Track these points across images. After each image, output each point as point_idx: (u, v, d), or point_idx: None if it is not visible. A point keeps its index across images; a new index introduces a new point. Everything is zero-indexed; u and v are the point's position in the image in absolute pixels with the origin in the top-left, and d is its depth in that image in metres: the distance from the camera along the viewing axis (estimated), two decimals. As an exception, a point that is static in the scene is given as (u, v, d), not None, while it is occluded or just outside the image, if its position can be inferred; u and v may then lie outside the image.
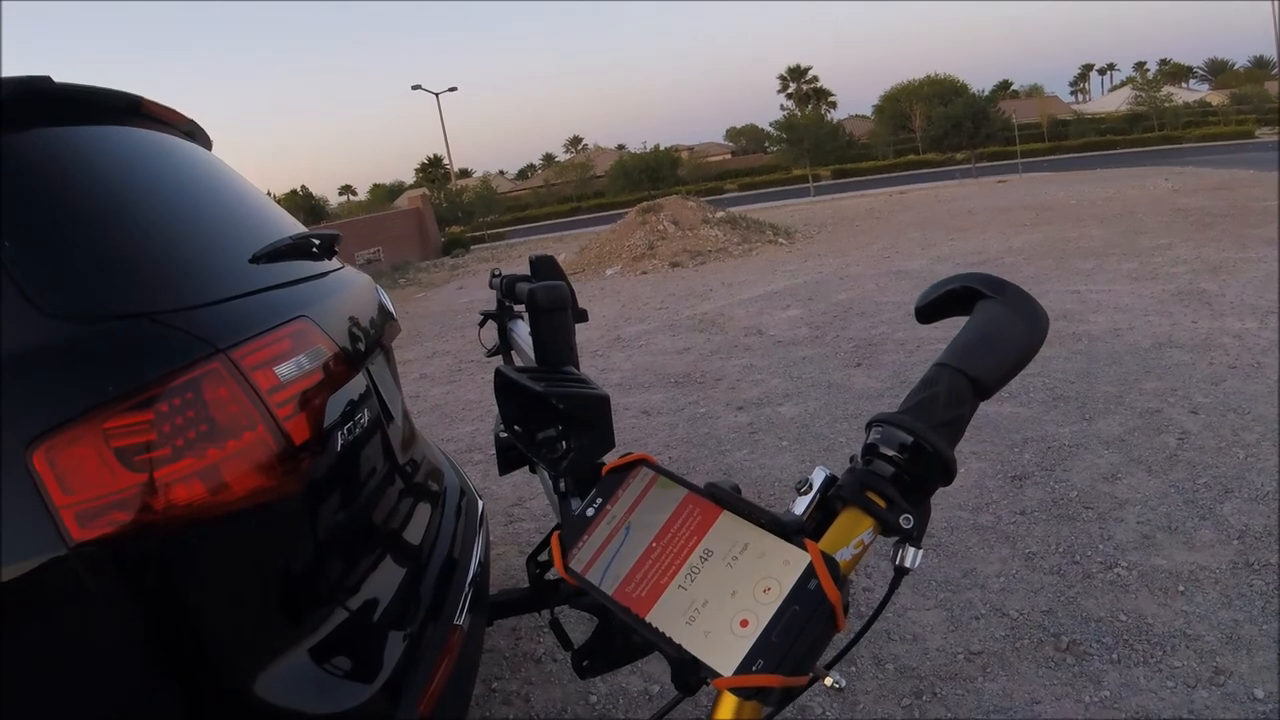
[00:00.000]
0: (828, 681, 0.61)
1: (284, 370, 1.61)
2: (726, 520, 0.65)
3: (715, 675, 0.58)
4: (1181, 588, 3.01)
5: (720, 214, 18.65)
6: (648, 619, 0.62)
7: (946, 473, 0.68)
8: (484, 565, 2.35)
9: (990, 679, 2.68)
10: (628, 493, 0.70)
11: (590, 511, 0.70)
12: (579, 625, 2.45)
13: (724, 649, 0.58)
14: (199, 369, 1.43)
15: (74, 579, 1.30)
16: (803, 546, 0.61)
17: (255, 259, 1.89)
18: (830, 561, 0.59)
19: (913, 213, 20.92)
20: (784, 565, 0.61)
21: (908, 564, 0.66)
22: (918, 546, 0.67)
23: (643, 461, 0.72)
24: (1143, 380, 5.28)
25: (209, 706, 1.45)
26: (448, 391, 7.76)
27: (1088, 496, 3.81)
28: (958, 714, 2.54)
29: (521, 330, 2.41)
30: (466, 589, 2.09)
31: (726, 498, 0.66)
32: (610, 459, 0.74)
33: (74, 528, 1.28)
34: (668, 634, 0.61)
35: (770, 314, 9.29)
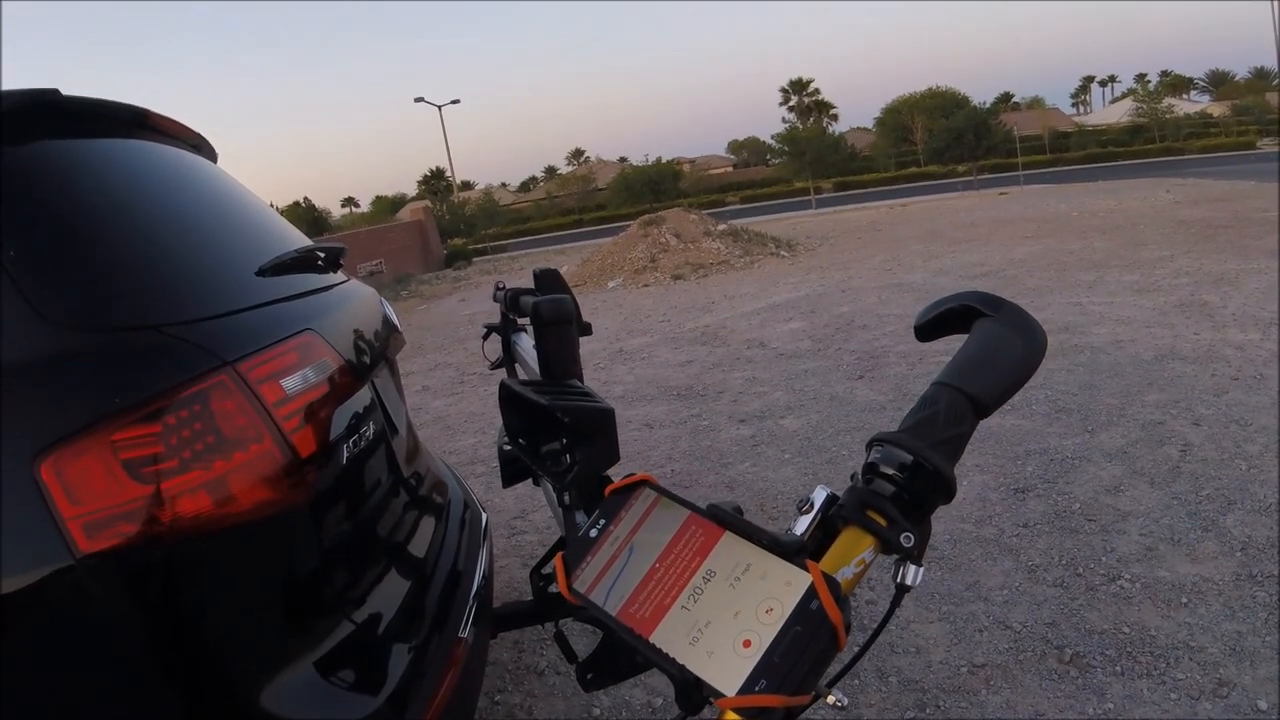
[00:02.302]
0: (830, 700, 0.62)
1: (290, 383, 1.61)
2: (729, 541, 0.66)
3: (718, 695, 0.58)
4: (1184, 599, 3.01)
5: (722, 226, 18.67)
6: (651, 639, 0.63)
7: (947, 491, 0.69)
8: (488, 578, 2.35)
9: (994, 691, 2.67)
10: (630, 514, 0.71)
11: (594, 533, 0.71)
12: (583, 638, 2.45)
13: (727, 669, 0.59)
14: (206, 381, 1.44)
15: (81, 590, 1.30)
16: (804, 567, 0.62)
17: (261, 272, 1.90)
18: (831, 582, 0.60)
19: (914, 225, 20.94)
20: (786, 586, 0.61)
21: (909, 581, 0.67)
22: (918, 564, 0.67)
23: (645, 482, 0.73)
24: (1145, 392, 5.28)
25: (215, 718, 1.45)
26: (450, 404, 7.76)
27: (1090, 508, 3.81)
28: (961, 727, 2.54)
29: (525, 343, 2.42)
30: (470, 601, 2.09)
31: (728, 519, 0.67)
32: (614, 477, 0.75)
33: (81, 539, 1.28)
34: (671, 654, 0.62)
35: (772, 326, 9.29)
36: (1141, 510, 3.72)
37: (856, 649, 0.75)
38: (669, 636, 0.62)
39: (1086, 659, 2.76)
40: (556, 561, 0.70)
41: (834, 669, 0.65)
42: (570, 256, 24.23)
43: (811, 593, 0.60)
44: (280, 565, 1.60)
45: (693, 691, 0.60)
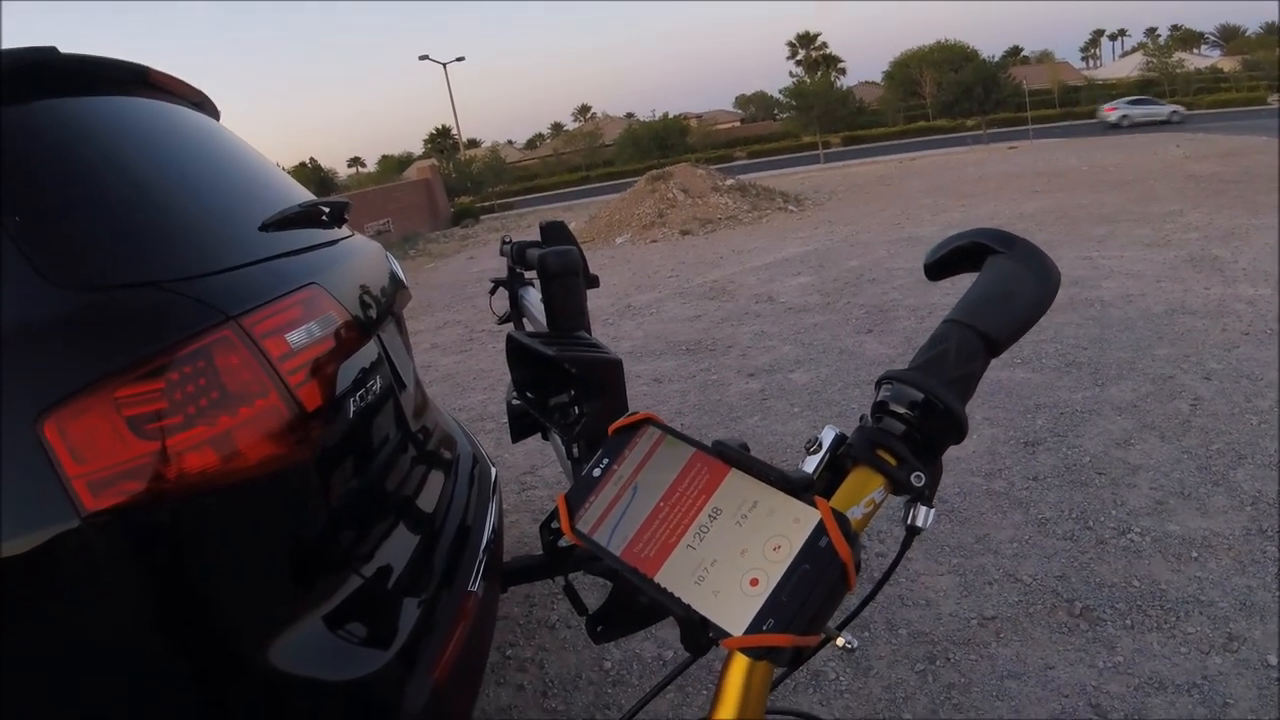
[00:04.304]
0: (839, 642, 0.60)
1: (295, 337, 1.60)
2: (735, 478, 0.64)
3: (725, 635, 0.57)
4: (1195, 554, 3.00)
5: (730, 181, 18.55)
6: (656, 579, 0.61)
7: (958, 430, 0.67)
8: (497, 532, 2.35)
9: (1003, 644, 2.68)
10: (634, 452, 0.69)
11: (597, 472, 0.69)
12: (593, 592, 2.46)
13: (734, 608, 0.57)
14: (210, 336, 1.42)
15: (87, 549, 1.29)
16: (813, 504, 0.59)
17: (265, 227, 1.88)
18: (841, 518, 0.58)
19: (923, 179, 20.78)
20: (794, 523, 0.59)
21: (919, 523, 0.65)
22: (929, 505, 0.65)
23: (649, 420, 0.70)
24: (1155, 346, 5.25)
25: (223, 675, 1.45)
26: (459, 361, 7.76)
27: (1100, 462, 3.80)
28: (971, 679, 2.54)
29: (533, 297, 2.40)
30: (480, 556, 2.09)
31: (735, 455, 0.64)
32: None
33: (86, 497, 1.27)
34: (676, 594, 0.60)
35: (781, 281, 9.25)
36: (1152, 464, 3.71)
37: (866, 594, 0.73)
38: (674, 576, 0.61)
39: (1096, 612, 2.76)
40: (559, 502, 0.68)
41: (843, 613, 0.63)
42: (578, 213, 24.14)
43: (820, 530, 0.58)
44: (287, 520, 1.59)
45: (699, 631, 0.59)
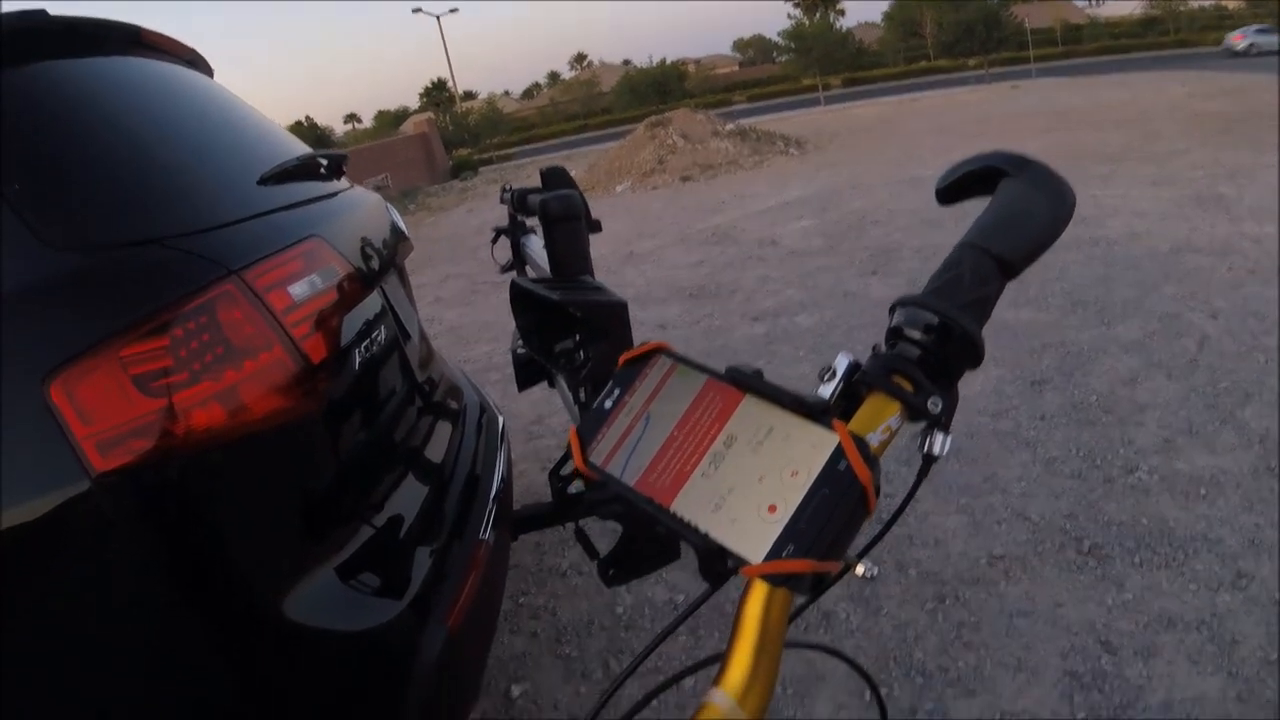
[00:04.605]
0: (860, 570, 0.59)
1: (298, 290, 1.59)
2: (750, 404, 0.62)
3: (743, 563, 0.55)
4: (1203, 491, 3.00)
5: (730, 126, 18.38)
6: (672, 509, 0.60)
7: (974, 354, 0.65)
8: (506, 481, 2.35)
9: (1013, 583, 2.69)
10: (646, 382, 0.67)
11: (608, 404, 0.67)
12: (603, 538, 2.46)
13: (752, 536, 0.56)
14: (212, 291, 1.42)
15: (98, 509, 1.30)
16: (830, 428, 0.58)
17: (263, 180, 1.87)
18: (860, 441, 0.56)
19: (925, 120, 20.57)
20: (811, 448, 0.58)
21: (936, 450, 0.63)
22: (946, 432, 0.64)
23: (660, 350, 0.69)
24: (1161, 285, 5.22)
25: (238, 630, 1.46)
26: (463, 314, 7.75)
27: (1107, 401, 3.79)
28: (981, 617, 2.56)
29: (535, 245, 2.38)
30: (490, 504, 2.09)
31: (749, 381, 0.63)
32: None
33: (95, 458, 1.27)
34: (693, 523, 0.58)
35: (784, 225, 9.20)
36: (1159, 402, 3.70)
37: (884, 523, 0.72)
38: (690, 505, 0.59)
39: (1105, 550, 2.77)
40: (571, 435, 0.67)
41: (861, 542, 0.62)
42: (577, 162, 23.96)
43: (839, 453, 0.56)
44: (296, 473, 1.59)
45: (717, 560, 0.57)
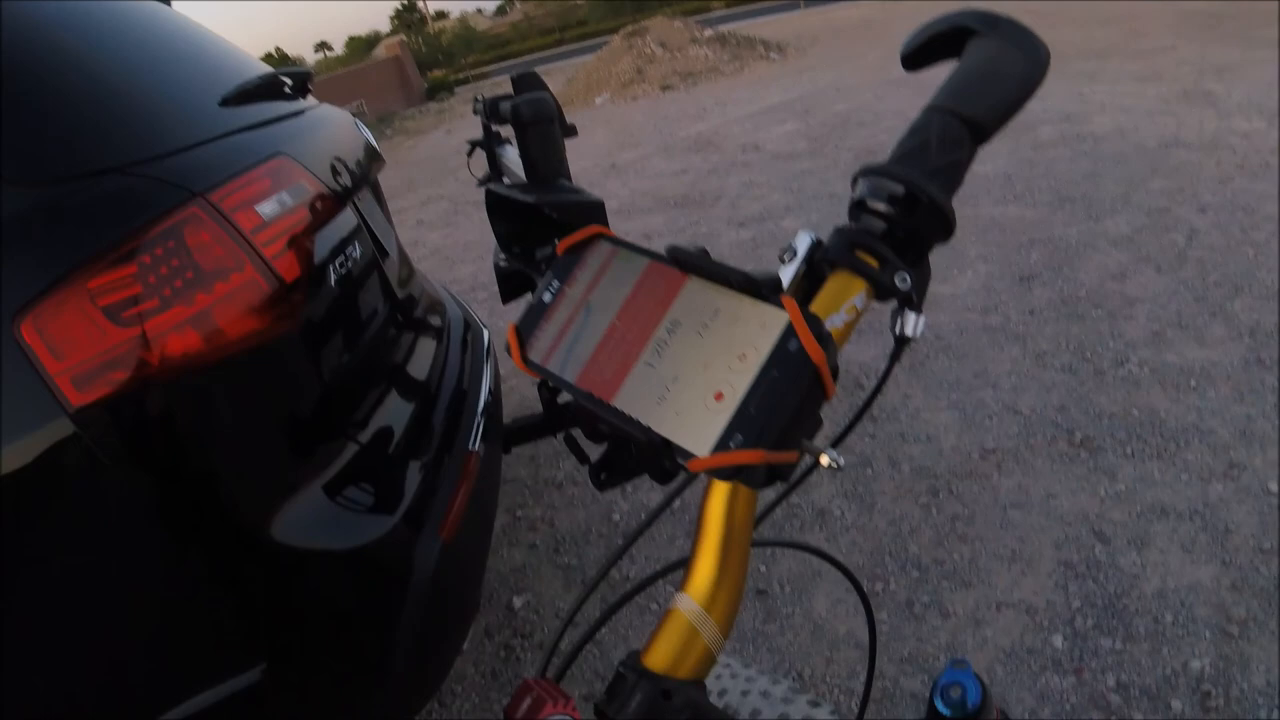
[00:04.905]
0: (824, 461, 0.52)
1: (266, 209, 1.57)
2: (694, 286, 0.57)
3: (689, 456, 0.51)
4: (1193, 383, 3.00)
5: (709, 33, 17.98)
6: (614, 403, 0.56)
7: (945, 225, 0.60)
8: (494, 394, 2.34)
9: (1005, 475, 2.70)
10: (585, 271, 0.63)
11: (546, 296, 0.63)
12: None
13: (698, 427, 0.51)
14: (178, 215, 1.39)
15: (78, 444, 1.29)
16: (780, 305, 0.53)
17: (225, 102, 1.84)
18: (811, 318, 0.51)
19: (909, 20, 19.68)
20: (760, 328, 0.53)
21: (908, 332, 0.60)
22: (918, 311, 0.60)
23: (599, 236, 0.64)
24: (1149, 180, 5.15)
25: (231, 555, 1.46)
26: (446, 235, 7.67)
27: (1097, 295, 3.77)
28: (974, 510, 2.58)
29: (511, 154, 2.33)
30: (478, 417, 2.09)
31: (692, 261, 0.58)
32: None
33: (71, 393, 1.27)
34: (636, 417, 0.54)
35: (767, 130, 9.05)
36: (1148, 296, 3.68)
37: (856, 411, 0.69)
38: (633, 398, 0.55)
39: (1096, 442, 2.78)
40: (509, 333, 0.63)
41: (832, 432, 0.58)
42: (555, 77, 23.48)
43: (789, 332, 0.51)
44: (277, 395, 1.58)
45: (663, 456, 0.53)
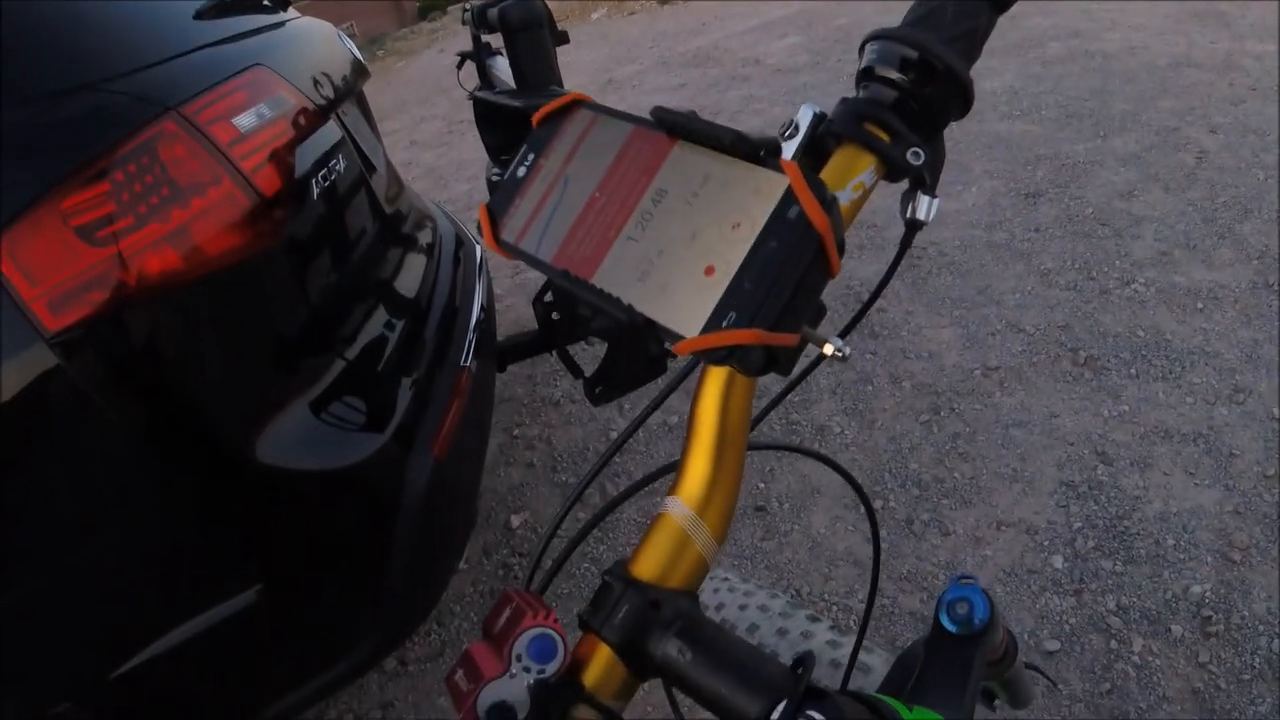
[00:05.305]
0: (828, 350, 0.48)
1: (243, 121, 1.52)
2: (682, 151, 0.51)
3: (677, 338, 0.45)
4: (1200, 305, 2.95)
5: (709, -56, 17.54)
6: (593, 281, 0.50)
7: (963, 97, 0.55)
8: (487, 310, 2.31)
9: (1008, 393, 2.67)
10: (563, 141, 0.56)
11: (521, 171, 0.57)
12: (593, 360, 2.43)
13: (687, 305, 0.46)
14: (150, 130, 1.35)
15: (57, 370, 1.26)
16: (779, 169, 0.46)
17: (199, 15, 1.77)
18: (815, 181, 0.45)
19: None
20: (756, 194, 0.46)
21: (920, 216, 0.55)
22: (931, 194, 0.55)
23: (579, 102, 0.57)
24: (1159, 99, 5.02)
25: (214, 478, 1.44)
26: (440, 154, 7.56)
27: (1103, 213, 3.70)
28: (976, 428, 2.55)
29: (501, 65, 2.26)
30: (470, 333, 2.06)
31: (680, 122, 0.51)
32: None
33: (47, 317, 1.24)
34: (617, 295, 0.49)
35: (767, 44, 8.85)
36: (1156, 215, 3.60)
37: (864, 301, 0.63)
38: (614, 275, 0.49)
39: (1101, 361, 2.74)
40: (480, 213, 0.57)
41: (842, 321, 0.53)
42: (551, -9, 23.05)
43: (789, 197, 0.45)
44: (260, 312, 1.55)
45: (648, 338, 0.47)
